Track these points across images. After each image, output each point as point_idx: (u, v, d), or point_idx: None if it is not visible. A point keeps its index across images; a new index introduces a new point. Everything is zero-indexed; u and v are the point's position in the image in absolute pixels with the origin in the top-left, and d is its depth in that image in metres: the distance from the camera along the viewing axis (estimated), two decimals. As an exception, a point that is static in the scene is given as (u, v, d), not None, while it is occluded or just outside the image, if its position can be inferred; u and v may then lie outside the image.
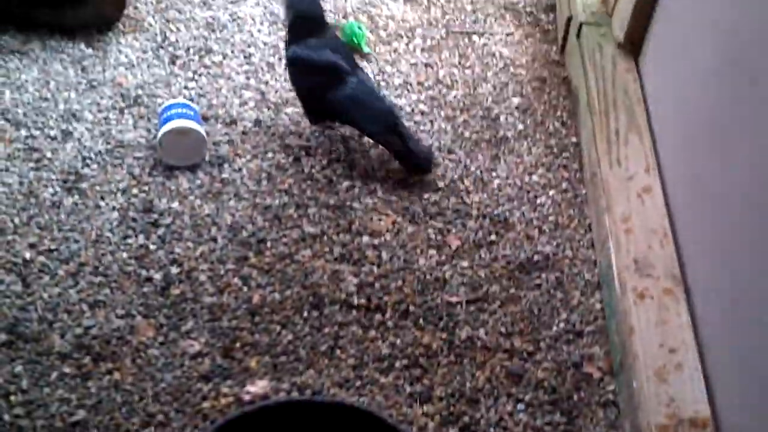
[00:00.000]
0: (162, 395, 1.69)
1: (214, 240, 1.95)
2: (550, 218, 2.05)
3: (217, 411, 1.67)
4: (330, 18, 2.52)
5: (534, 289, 1.92)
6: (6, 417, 1.63)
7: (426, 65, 2.42)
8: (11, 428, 1.62)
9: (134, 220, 1.97)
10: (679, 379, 1.66)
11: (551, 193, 2.10)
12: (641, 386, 1.66)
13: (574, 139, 2.23)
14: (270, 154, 2.15)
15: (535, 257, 1.97)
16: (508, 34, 2.54)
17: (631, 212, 1.93)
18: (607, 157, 2.04)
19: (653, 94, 2.13)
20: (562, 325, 1.86)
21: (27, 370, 1.70)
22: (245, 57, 2.41)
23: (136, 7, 2.52)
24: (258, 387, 1.72)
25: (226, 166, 2.11)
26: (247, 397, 1.70)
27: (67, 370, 1.71)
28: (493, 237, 2.00)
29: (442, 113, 2.29)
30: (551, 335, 1.84)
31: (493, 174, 2.14)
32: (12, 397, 1.66)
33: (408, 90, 2.34)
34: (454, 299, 1.88)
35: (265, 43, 2.45)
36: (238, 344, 1.78)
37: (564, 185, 2.12)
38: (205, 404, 1.68)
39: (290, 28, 2.12)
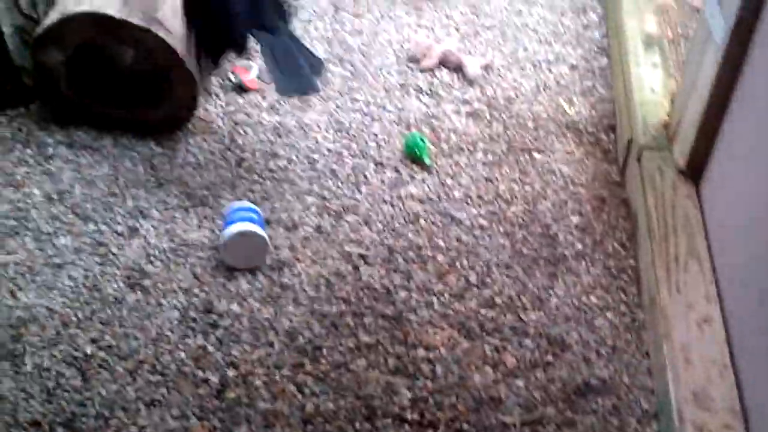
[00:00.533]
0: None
1: (271, 345, 1.97)
2: (608, 341, 2.04)
3: None
4: (393, 129, 2.57)
5: (590, 414, 1.90)
6: None
7: (487, 179, 2.45)
8: None
9: (194, 320, 1.99)
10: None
11: (609, 315, 2.10)
12: None
13: (632, 262, 2.24)
14: (329, 261, 2.17)
15: (592, 381, 1.96)
16: (568, 152, 2.57)
17: (690, 341, 1.92)
18: (666, 283, 2.04)
19: (714, 221, 2.13)
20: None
21: (83, 473, 1.72)
22: (309, 162, 2.45)
23: (206, 109, 2.59)
24: (308, 498, 1.72)
25: (286, 270, 2.13)
26: None
27: (123, 468, 1.73)
28: (549, 357, 2.00)
29: (501, 228, 2.31)
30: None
31: (551, 292, 2.14)
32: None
33: (468, 203, 2.37)
34: (508, 419, 1.87)
35: (329, 150, 2.50)
36: (292, 455, 1.79)
37: (622, 308, 2.12)
38: None
39: None
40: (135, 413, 1.81)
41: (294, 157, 2.47)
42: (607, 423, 1.89)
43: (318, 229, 2.26)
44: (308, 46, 2.42)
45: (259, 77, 2.69)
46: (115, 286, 2.05)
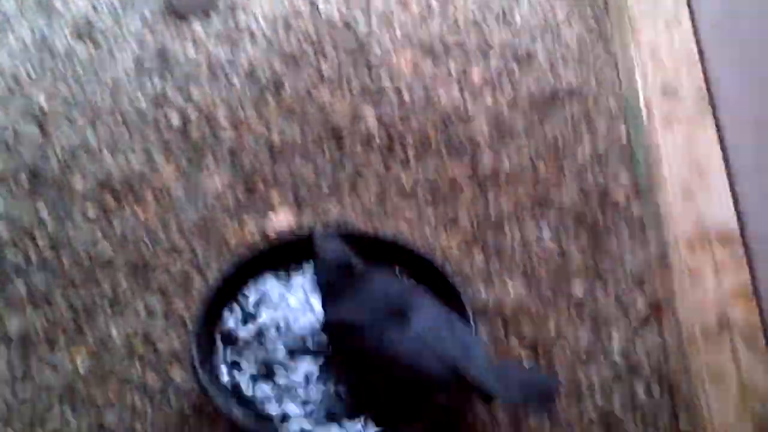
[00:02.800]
0: (187, 231, 1.69)
1: (231, 83, 1.93)
2: (575, 51, 2.00)
3: (242, 244, 1.67)
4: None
5: (560, 120, 1.88)
6: (33, 257, 1.64)
7: None
8: (39, 266, 1.63)
9: (150, 66, 1.94)
10: (706, 198, 1.64)
11: (576, 26, 2.04)
12: (668, 206, 1.64)
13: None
14: (285, 1, 2.10)
15: (560, 88, 1.93)
16: None
17: (658, 41, 1.88)
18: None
19: None
20: (587, 152, 1.83)
21: (51, 212, 1.71)
22: None
23: None
24: (282, 220, 1.72)
25: (240, 12, 2.06)
26: (271, 230, 1.70)
27: (90, 210, 1.71)
28: (516, 71, 1.96)
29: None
30: (576, 162, 1.82)
31: (516, 11, 2.08)
32: (38, 238, 1.67)
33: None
34: (477, 134, 1.85)
35: None
36: (259, 181, 1.77)
37: (589, 19, 2.06)
38: (230, 237, 1.68)
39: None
40: (99, 158, 1.79)
41: None
42: (577, 126, 1.87)
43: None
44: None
45: None
46: (65, 41, 1.98)
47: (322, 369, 1.46)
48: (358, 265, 1.45)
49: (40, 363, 1.50)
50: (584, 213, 1.74)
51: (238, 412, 1.38)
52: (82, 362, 1.50)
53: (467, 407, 1.46)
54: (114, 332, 1.55)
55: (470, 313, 1.47)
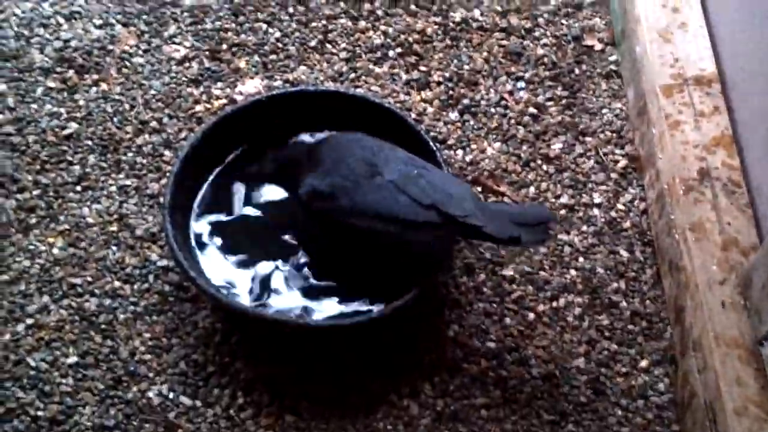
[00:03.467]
0: (153, 102, 1.64)
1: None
2: None
3: (211, 113, 1.62)
4: None
5: (529, -36, 1.82)
6: (-4, 136, 1.60)
7: None
8: (4, 146, 1.58)
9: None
10: (683, 39, 1.60)
11: None
12: (644, 50, 1.60)
13: None
14: None
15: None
16: None
17: None
18: None
19: None
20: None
21: (11, 88, 1.64)
22: None
23: None
24: (250, 86, 1.67)
25: None
26: (239, 97, 1.65)
27: (51, 84, 1.65)
28: None
29: None
30: (549, 10, 1.77)
31: None
32: (0, 116, 1.61)
33: None
34: None
35: None
36: (224, 45, 1.71)
37: None
38: (198, 107, 1.64)
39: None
40: (56, 28, 1.72)
41: None
42: (549, -30, 1.81)
43: None
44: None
45: None
46: None
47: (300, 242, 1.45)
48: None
49: (16, 249, 1.47)
50: (560, 64, 1.69)
51: (217, 291, 1.37)
52: (57, 246, 1.48)
53: (449, 276, 1.46)
54: (87, 214, 1.51)
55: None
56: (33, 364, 1.37)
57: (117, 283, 1.44)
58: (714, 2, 1.61)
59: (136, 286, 1.44)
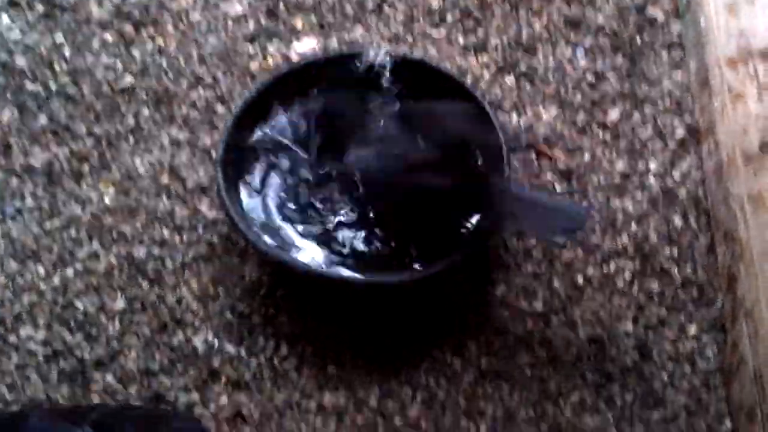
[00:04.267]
0: (208, 58, 1.64)
1: None
2: None
3: (265, 70, 1.62)
4: None
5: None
6: (53, 86, 1.60)
7: None
8: (59, 96, 1.59)
9: None
10: (750, 12, 1.56)
11: None
12: (709, 22, 1.56)
13: None
14: None
15: None
16: None
17: None
18: None
19: None
20: None
21: (68, 40, 1.65)
22: None
23: None
24: (306, 45, 1.66)
25: None
26: (295, 56, 1.64)
27: (108, 37, 1.66)
28: None
29: None
30: (612, -20, 1.74)
31: None
32: (56, 67, 1.62)
33: None
34: (507, -53, 1.76)
35: None
36: (281, 4, 1.70)
37: None
38: (253, 64, 1.63)
39: None
40: (115, -17, 1.73)
41: None
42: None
43: None
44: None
45: None
46: None
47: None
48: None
49: (67, 196, 1.48)
50: (621, 34, 1.66)
51: (266, 244, 1.37)
52: (108, 195, 1.48)
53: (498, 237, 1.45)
54: (139, 164, 1.52)
55: (502, 139, 1.43)
56: (81, 307, 1.38)
57: (166, 233, 1.45)
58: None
59: (185, 237, 1.45)
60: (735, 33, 1.55)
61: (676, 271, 1.42)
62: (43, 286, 1.40)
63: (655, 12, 1.70)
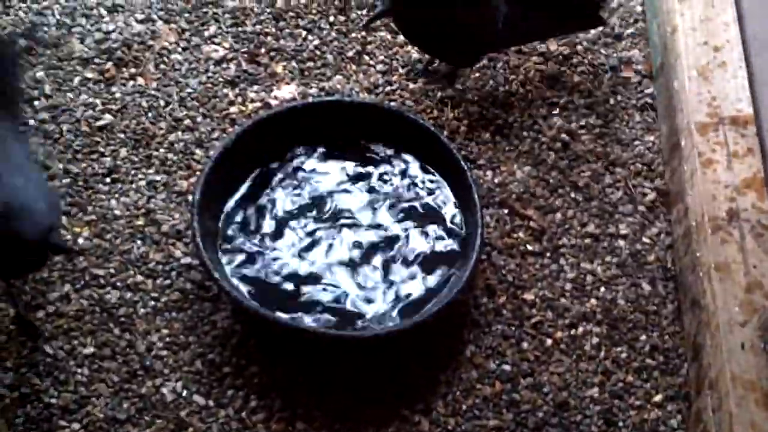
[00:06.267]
0: (188, 100, 1.65)
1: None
2: None
3: (245, 115, 1.63)
4: None
5: (572, -9, 1.82)
6: (32, 122, 1.61)
7: None
8: (37, 132, 1.59)
9: None
10: (722, 78, 1.60)
11: None
12: (682, 86, 1.60)
13: None
14: None
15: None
16: None
17: None
18: None
19: None
20: (600, 28, 1.77)
21: (49, 75, 1.66)
22: None
23: None
24: (285, 92, 1.68)
25: None
26: (274, 102, 1.66)
27: (89, 75, 1.67)
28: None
29: None
30: (589, 38, 1.76)
31: None
32: (36, 102, 1.62)
33: None
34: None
35: None
36: (263, 49, 1.72)
37: None
38: (232, 109, 1.65)
39: None
40: (98, 19, 1.73)
41: None
42: None
43: None
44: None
45: None
46: None
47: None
48: None
49: (41, 236, 1.48)
50: (595, 94, 1.69)
51: (238, 292, 1.38)
52: (83, 236, 1.49)
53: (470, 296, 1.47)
54: (115, 206, 1.52)
55: (475, 194, 1.46)
56: (50, 351, 1.38)
57: (139, 277, 1.45)
58: (755, 44, 1.61)
59: (158, 282, 1.45)
60: (706, 98, 1.58)
61: (643, 337, 1.44)
62: (12, 327, 1.40)
63: (629, 72, 1.73)
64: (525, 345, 1.42)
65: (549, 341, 1.43)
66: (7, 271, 1.34)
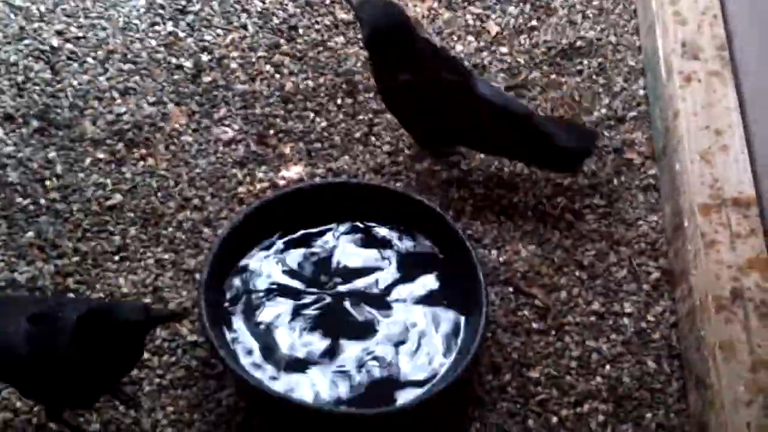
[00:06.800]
0: (197, 180, 1.68)
1: (245, 27, 1.90)
2: (594, 3, 1.96)
3: (253, 195, 1.66)
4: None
5: (575, 75, 1.86)
6: (42, 201, 1.63)
7: None
8: (48, 212, 1.61)
9: (161, 6, 1.90)
10: (724, 161, 1.62)
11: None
12: (684, 168, 1.62)
13: None
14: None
15: (578, 43, 1.89)
16: None
17: (680, -5, 1.84)
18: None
19: None
20: (603, 111, 1.80)
21: (60, 156, 1.69)
22: None
23: None
24: (293, 172, 1.70)
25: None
26: (282, 182, 1.68)
27: (100, 155, 1.70)
28: (534, 22, 1.93)
29: None
30: (592, 121, 1.79)
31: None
32: (47, 182, 1.65)
33: None
34: (492, 83, 1.83)
35: None
36: (271, 131, 1.75)
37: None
38: (241, 189, 1.67)
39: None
40: (110, 102, 1.77)
41: None
42: (593, 83, 1.85)
43: None
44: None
45: None
46: (76, -23, 1.94)
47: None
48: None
49: (49, 314, 1.49)
50: (599, 174, 1.71)
51: (244, 371, 1.38)
52: (91, 314, 1.50)
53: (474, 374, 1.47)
54: (123, 284, 1.54)
55: (480, 274, 1.47)
56: (56, 429, 1.38)
57: (145, 354, 1.46)
58: (757, 127, 1.63)
59: (164, 359, 1.46)
60: (708, 180, 1.60)
61: (648, 415, 1.44)
62: (18, 404, 1.40)
63: (632, 154, 1.76)
64: (531, 423, 1.42)
65: (555, 419, 1.42)
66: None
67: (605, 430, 1.42)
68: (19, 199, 1.63)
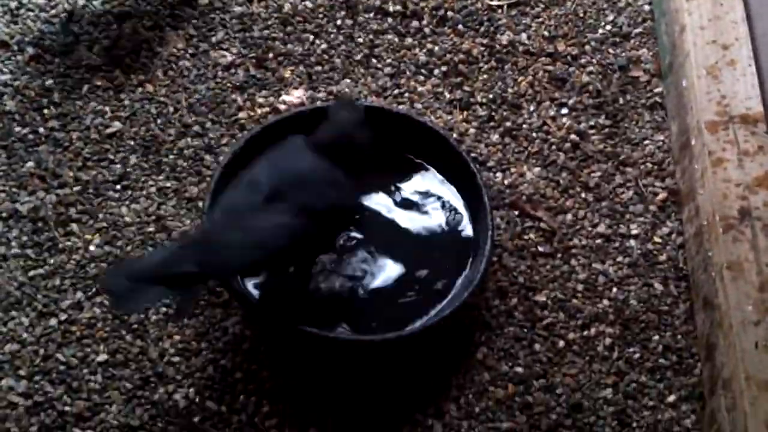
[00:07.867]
0: (197, 106, 1.65)
1: (241, -53, 1.85)
2: None
3: (253, 120, 1.63)
4: None
5: (580, -9, 1.82)
6: (41, 130, 1.61)
7: None
8: (47, 140, 1.60)
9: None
10: (731, 76, 1.59)
11: None
12: (691, 85, 1.59)
13: None
14: None
15: (581, -43, 1.85)
16: None
17: None
18: None
19: None
20: (608, 27, 1.77)
21: (58, 84, 1.66)
22: None
23: None
24: (293, 96, 1.68)
25: None
26: (282, 107, 1.66)
27: (98, 82, 1.67)
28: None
29: None
30: (597, 38, 1.76)
31: None
32: (45, 111, 1.63)
33: None
34: (494, 2, 1.79)
35: None
36: (271, 54, 1.72)
37: None
38: (241, 114, 1.65)
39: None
40: (106, 27, 1.74)
41: None
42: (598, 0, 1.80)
43: None
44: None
45: None
46: None
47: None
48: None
49: (52, 244, 1.49)
50: (604, 93, 1.69)
51: (250, 295, 1.38)
52: (94, 244, 1.49)
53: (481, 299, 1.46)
54: (125, 213, 1.53)
55: (485, 197, 1.45)
56: (63, 359, 1.38)
57: (150, 284, 1.45)
58: (764, 42, 1.60)
59: (169, 288, 1.45)
60: (716, 97, 1.58)
61: (656, 337, 1.44)
62: (25, 335, 1.40)
63: (638, 72, 1.73)
64: (537, 347, 1.42)
65: (561, 343, 1.43)
66: None
67: (612, 353, 1.42)
68: (18, 128, 1.61)
